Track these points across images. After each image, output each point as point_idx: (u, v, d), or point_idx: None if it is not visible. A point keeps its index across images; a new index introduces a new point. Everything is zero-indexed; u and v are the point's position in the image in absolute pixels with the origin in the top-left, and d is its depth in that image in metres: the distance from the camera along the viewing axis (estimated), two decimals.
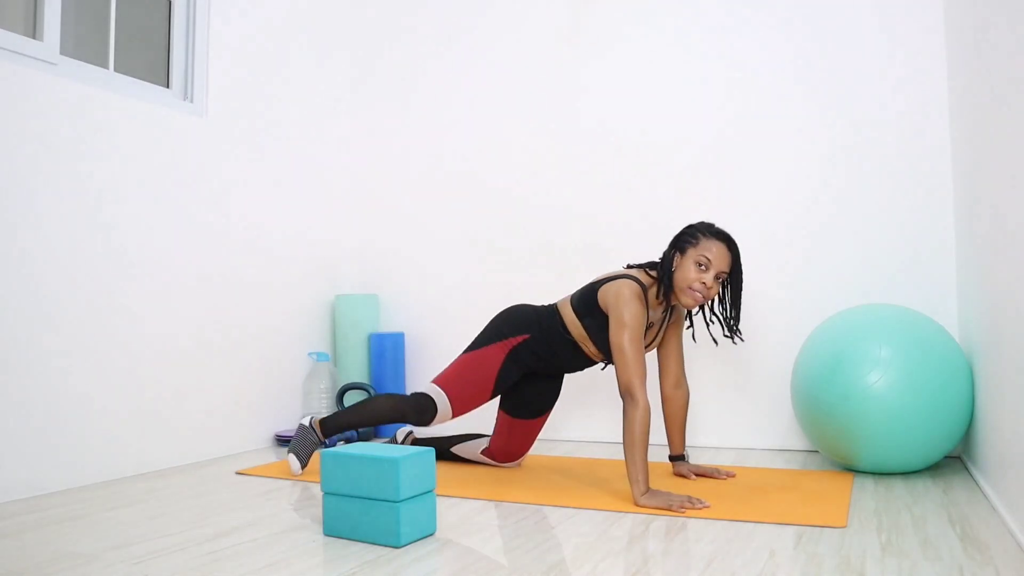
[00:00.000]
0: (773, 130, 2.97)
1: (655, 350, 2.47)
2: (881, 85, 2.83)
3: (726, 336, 2.33)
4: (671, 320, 2.42)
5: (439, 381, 2.46)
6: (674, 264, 2.25)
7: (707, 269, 2.20)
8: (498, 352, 2.45)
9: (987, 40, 1.96)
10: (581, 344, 2.39)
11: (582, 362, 2.46)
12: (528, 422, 2.56)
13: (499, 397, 2.60)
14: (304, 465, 2.51)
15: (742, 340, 2.38)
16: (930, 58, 2.76)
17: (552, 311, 2.44)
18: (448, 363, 3.39)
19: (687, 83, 3.11)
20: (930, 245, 2.74)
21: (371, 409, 2.47)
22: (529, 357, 2.46)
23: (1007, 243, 1.79)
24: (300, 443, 2.52)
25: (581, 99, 3.29)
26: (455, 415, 2.44)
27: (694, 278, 2.21)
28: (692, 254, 2.22)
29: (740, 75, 3.02)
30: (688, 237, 2.26)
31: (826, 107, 2.90)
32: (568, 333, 2.39)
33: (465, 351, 2.50)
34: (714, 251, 2.21)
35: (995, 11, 1.84)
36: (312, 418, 2.55)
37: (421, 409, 2.41)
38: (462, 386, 2.43)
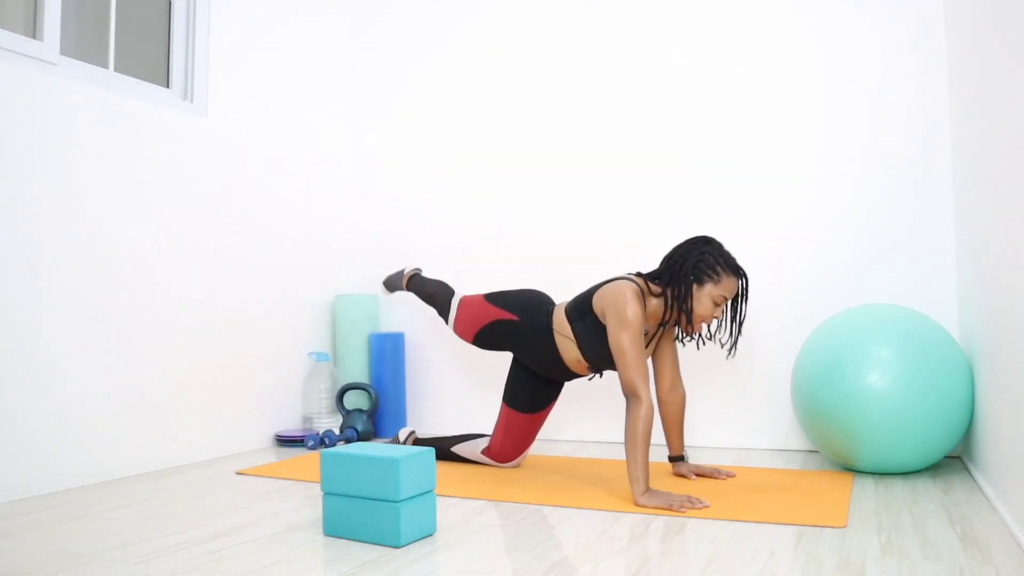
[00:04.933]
0: (774, 130, 2.97)
1: (649, 356, 2.45)
2: (882, 86, 2.83)
3: (715, 341, 2.35)
4: (665, 329, 2.40)
5: (463, 300, 2.67)
6: (691, 293, 2.20)
7: (721, 304, 2.23)
8: (487, 314, 2.56)
9: (987, 41, 1.96)
10: (561, 349, 2.40)
11: (556, 367, 2.45)
12: (526, 417, 2.56)
13: (502, 390, 2.65)
14: (389, 292, 3.03)
15: (732, 356, 2.39)
16: (930, 59, 2.76)
17: (548, 310, 2.47)
18: (454, 363, 3.47)
19: (689, 83, 3.11)
20: (930, 245, 2.74)
21: (432, 290, 2.81)
22: (507, 335, 2.51)
23: (1007, 243, 1.79)
24: (391, 280, 2.99)
25: (584, 97, 3.30)
26: (454, 332, 2.69)
27: (709, 314, 2.22)
28: (711, 290, 2.20)
29: (742, 75, 3.03)
30: (708, 270, 2.20)
31: (827, 107, 2.90)
32: (552, 336, 2.41)
33: (486, 295, 2.63)
34: (732, 289, 2.22)
35: (995, 12, 1.84)
36: (412, 271, 2.94)
37: (444, 310, 2.72)
38: (465, 318, 2.63)
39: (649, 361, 2.86)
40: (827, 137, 2.90)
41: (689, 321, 2.22)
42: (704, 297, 2.20)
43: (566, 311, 2.39)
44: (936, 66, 2.76)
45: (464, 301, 2.66)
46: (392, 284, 3.00)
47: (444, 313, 2.71)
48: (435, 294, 2.78)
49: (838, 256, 2.86)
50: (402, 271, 2.97)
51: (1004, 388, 1.87)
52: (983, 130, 2.06)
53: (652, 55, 3.18)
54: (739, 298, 2.26)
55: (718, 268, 2.20)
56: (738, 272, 2.22)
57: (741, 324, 2.28)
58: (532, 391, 2.57)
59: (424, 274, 2.99)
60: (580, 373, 2.46)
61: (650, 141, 3.16)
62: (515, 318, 2.49)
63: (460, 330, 2.64)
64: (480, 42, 3.51)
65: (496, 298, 2.58)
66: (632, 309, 2.16)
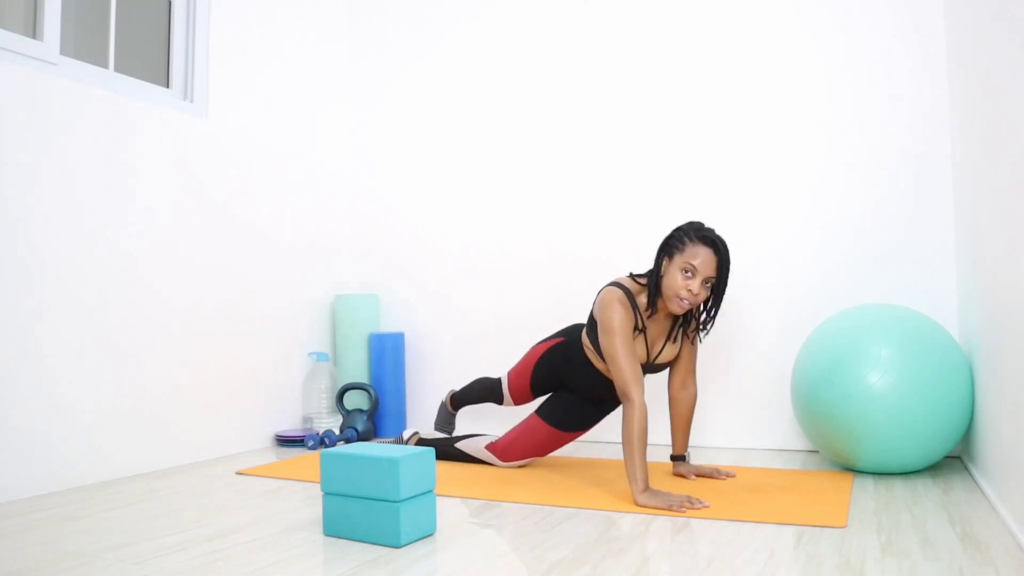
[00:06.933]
0: (775, 131, 2.97)
1: (675, 354, 2.43)
2: (882, 86, 2.83)
3: (698, 331, 2.34)
4: (685, 332, 2.39)
5: (509, 371, 2.75)
6: (662, 269, 2.24)
7: (693, 276, 2.18)
8: (539, 350, 2.64)
9: (987, 41, 1.96)
10: (591, 359, 2.44)
11: (593, 379, 2.46)
12: (548, 429, 2.55)
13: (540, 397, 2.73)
14: (450, 433, 2.94)
15: (705, 334, 2.35)
16: (931, 59, 2.76)
17: (582, 326, 2.55)
18: (454, 363, 3.54)
19: (689, 84, 3.11)
20: (930, 245, 2.74)
21: (476, 387, 2.84)
22: (557, 360, 2.56)
23: (1007, 243, 1.79)
24: (441, 418, 2.95)
25: (584, 100, 3.29)
26: (515, 403, 2.75)
27: (680, 285, 2.18)
28: (678, 260, 2.19)
29: (743, 76, 3.03)
30: (675, 241, 2.23)
31: (827, 108, 2.90)
32: (583, 349, 2.47)
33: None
34: (700, 257, 2.17)
35: (995, 14, 1.84)
36: (448, 392, 2.95)
37: (496, 392, 2.77)
38: (516, 376, 2.70)
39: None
40: (827, 138, 2.90)
41: (658, 294, 2.23)
42: (673, 269, 2.20)
43: (586, 323, 2.47)
44: (936, 66, 2.76)
45: (512, 369, 2.73)
46: (443, 421, 2.96)
47: (498, 391, 2.75)
48: (482, 387, 2.82)
49: (838, 256, 2.86)
50: (441, 403, 2.98)
51: (1004, 388, 1.87)
52: (983, 130, 2.06)
53: (653, 57, 3.17)
54: (719, 272, 2.20)
55: (684, 239, 2.20)
56: (707, 241, 2.18)
57: (719, 297, 2.23)
58: (568, 410, 2.56)
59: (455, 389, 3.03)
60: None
61: (653, 142, 3.16)
62: (561, 340, 2.58)
63: (515, 388, 2.69)
64: (480, 42, 3.50)
65: (542, 339, 2.68)
66: (617, 315, 2.20)
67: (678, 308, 2.22)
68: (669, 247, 2.24)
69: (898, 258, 2.78)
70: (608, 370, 2.41)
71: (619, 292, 2.24)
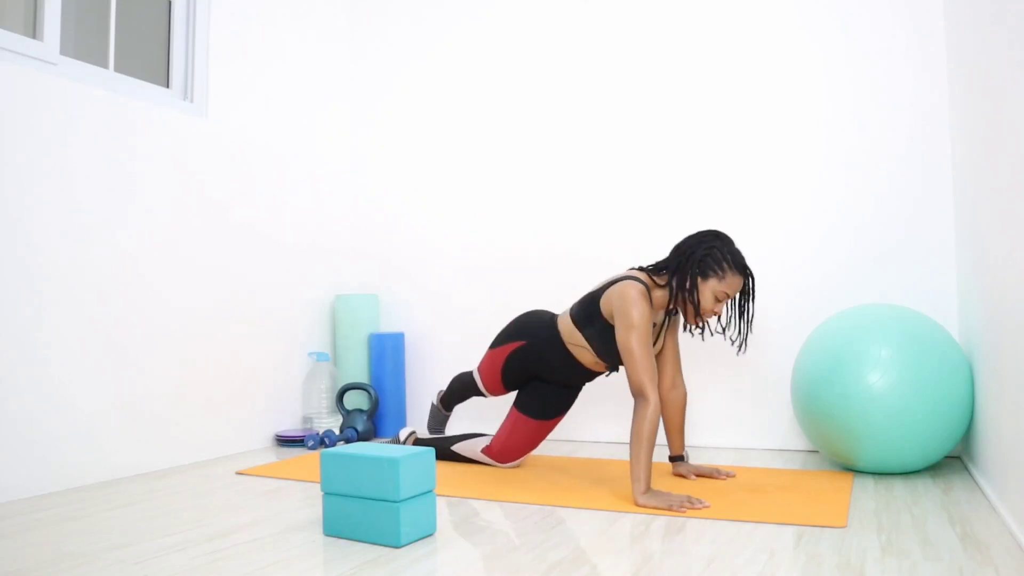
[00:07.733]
0: (776, 132, 2.97)
1: (658, 351, 2.46)
2: (882, 86, 2.83)
3: (726, 339, 2.33)
4: (669, 324, 2.42)
5: (478, 368, 2.72)
6: (693, 283, 2.21)
7: (724, 300, 2.22)
8: (499, 356, 2.61)
9: (987, 41, 1.96)
10: (577, 356, 2.42)
11: (577, 374, 2.48)
12: (535, 423, 2.56)
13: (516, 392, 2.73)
14: (441, 433, 2.92)
15: (743, 351, 2.34)
16: (931, 59, 2.76)
17: (552, 322, 2.49)
18: (454, 363, 3.54)
19: (690, 85, 3.11)
20: (930, 245, 2.75)
21: (456, 386, 2.82)
22: (524, 362, 2.54)
23: (1007, 243, 1.79)
24: (434, 420, 2.93)
25: (584, 100, 3.30)
26: (494, 396, 2.73)
27: (710, 309, 2.22)
28: (714, 285, 2.19)
29: (744, 76, 3.03)
30: (714, 264, 2.19)
31: (827, 108, 2.90)
32: (563, 346, 2.43)
33: (489, 346, 2.72)
34: (735, 286, 2.21)
35: (995, 15, 1.84)
36: (438, 393, 2.93)
37: (475, 386, 2.74)
38: (487, 375, 2.68)
39: None
40: (827, 138, 2.90)
41: (697, 314, 2.24)
42: (707, 291, 2.21)
43: (572, 319, 2.41)
44: (936, 66, 2.76)
45: (479, 366, 2.70)
46: (436, 423, 2.93)
47: (477, 387, 2.73)
48: (462, 385, 2.80)
49: (839, 256, 2.86)
50: (432, 404, 2.97)
51: (1004, 388, 1.87)
52: (983, 130, 2.06)
53: (653, 57, 3.17)
54: (745, 296, 2.26)
55: (724, 265, 2.20)
56: (744, 271, 2.22)
57: (750, 323, 2.28)
58: (545, 399, 2.57)
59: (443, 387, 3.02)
60: (599, 371, 2.49)
61: (655, 143, 3.16)
62: (522, 343, 2.54)
63: (491, 387, 2.67)
64: (480, 42, 3.50)
65: (497, 340, 2.63)
66: (638, 310, 2.17)
67: (696, 321, 2.26)
68: (704, 268, 2.20)
69: (898, 258, 2.78)
70: (595, 363, 2.42)
71: (641, 287, 2.21)
